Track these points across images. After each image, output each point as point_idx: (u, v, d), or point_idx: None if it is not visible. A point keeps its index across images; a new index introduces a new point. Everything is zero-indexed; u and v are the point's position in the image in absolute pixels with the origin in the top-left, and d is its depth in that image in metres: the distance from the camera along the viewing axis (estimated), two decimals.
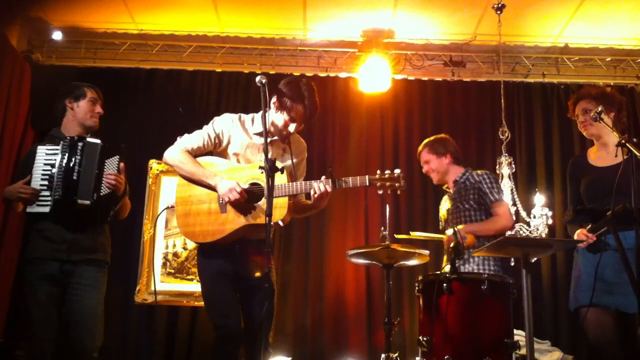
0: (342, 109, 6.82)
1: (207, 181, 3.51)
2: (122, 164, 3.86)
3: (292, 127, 3.59)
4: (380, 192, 3.49)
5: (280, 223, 3.48)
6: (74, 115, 3.94)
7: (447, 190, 4.58)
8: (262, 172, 3.13)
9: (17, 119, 6.25)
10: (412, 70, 6.97)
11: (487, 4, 6.01)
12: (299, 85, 3.59)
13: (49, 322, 3.68)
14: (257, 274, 3.48)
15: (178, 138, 3.68)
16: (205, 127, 3.68)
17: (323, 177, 3.46)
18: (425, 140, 4.66)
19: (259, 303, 3.23)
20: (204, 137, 3.63)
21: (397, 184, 3.48)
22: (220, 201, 3.50)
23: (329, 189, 3.45)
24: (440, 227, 4.65)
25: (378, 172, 3.52)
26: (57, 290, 3.72)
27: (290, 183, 3.48)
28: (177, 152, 3.59)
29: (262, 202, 3.43)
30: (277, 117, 3.61)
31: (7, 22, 6.32)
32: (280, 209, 3.43)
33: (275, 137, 3.67)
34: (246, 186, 3.44)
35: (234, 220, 3.48)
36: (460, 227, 4.07)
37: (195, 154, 3.62)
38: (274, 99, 3.61)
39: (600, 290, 3.56)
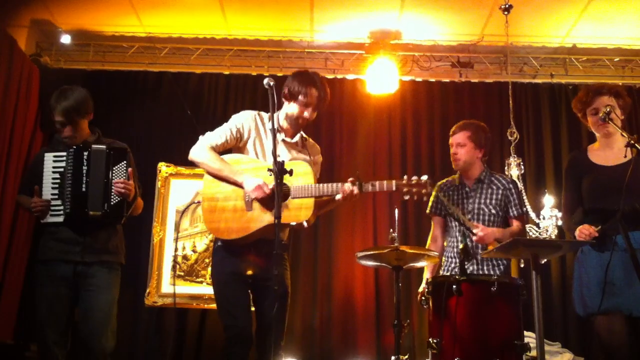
0: (349, 110, 6.82)
1: (234, 178, 3.54)
2: (130, 169, 3.84)
3: (307, 113, 3.64)
4: (407, 197, 3.50)
5: (305, 224, 3.50)
6: None
7: (460, 180, 4.27)
8: (270, 175, 3.14)
9: (25, 122, 6.28)
10: (420, 72, 6.96)
11: (494, 5, 6.00)
12: (308, 73, 3.71)
13: (58, 323, 3.69)
14: (249, 272, 3.50)
15: (200, 136, 3.69)
16: (225, 124, 3.71)
17: (350, 179, 3.48)
18: (467, 122, 4.32)
19: (271, 305, 3.23)
20: (226, 133, 3.66)
21: (423, 190, 3.50)
22: (247, 198, 3.52)
23: (355, 192, 3.47)
24: (429, 211, 4.37)
25: (405, 177, 3.53)
26: (69, 292, 3.74)
27: (318, 184, 3.50)
28: (203, 149, 3.62)
29: (289, 201, 3.46)
30: (290, 107, 3.67)
31: (16, 26, 6.35)
32: (307, 209, 3.46)
33: (293, 140, 3.72)
34: (272, 185, 3.43)
35: (259, 219, 3.49)
36: (495, 230, 4.02)
37: (219, 150, 3.65)
38: (284, 91, 3.66)
39: (608, 293, 3.50)
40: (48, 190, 3.75)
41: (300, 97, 3.61)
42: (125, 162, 3.85)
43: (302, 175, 3.46)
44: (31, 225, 6.09)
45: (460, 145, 4.21)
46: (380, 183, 3.50)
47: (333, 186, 3.49)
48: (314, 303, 6.28)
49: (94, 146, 3.82)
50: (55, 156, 3.81)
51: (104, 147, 3.83)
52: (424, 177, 3.52)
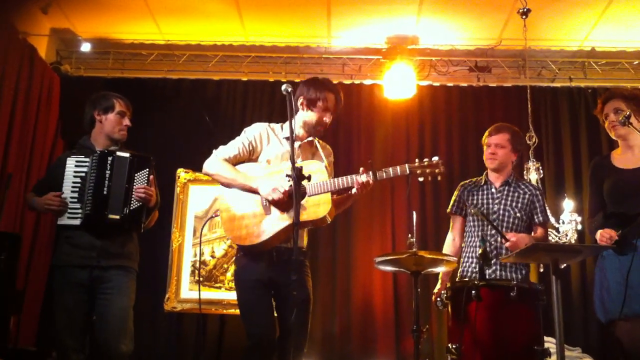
0: (367, 115, 6.83)
1: (248, 184, 3.56)
2: (151, 177, 3.89)
3: (327, 118, 3.69)
4: (421, 179, 3.58)
5: (328, 218, 3.51)
6: (102, 128, 3.96)
7: (486, 180, 4.28)
8: (289, 181, 3.15)
9: (46, 130, 6.36)
10: (437, 77, 6.95)
11: (512, 9, 5.99)
12: (319, 79, 3.77)
13: (76, 328, 3.71)
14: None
15: (214, 150, 3.71)
16: (237, 137, 3.74)
17: (362, 169, 3.51)
18: (506, 125, 4.33)
19: (292, 311, 3.25)
20: (239, 146, 3.68)
21: (436, 170, 3.57)
22: (264, 202, 3.54)
23: (370, 181, 3.50)
24: (449, 210, 4.37)
25: (417, 160, 3.60)
26: (86, 298, 3.75)
27: (332, 180, 3.52)
28: (216, 161, 3.65)
29: (305, 201, 3.47)
30: (308, 115, 3.69)
31: (36, 35, 6.43)
32: (325, 204, 3.48)
33: (305, 140, 3.73)
34: (288, 187, 3.44)
35: (280, 220, 3.50)
36: (525, 236, 4.01)
37: (233, 162, 3.67)
38: (300, 100, 3.69)
39: (630, 298, 3.46)
40: (67, 193, 3.78)
41: (319, 103, 3.65)
42: (147, 169, 3.89)
43: (316, 173, 3.47)
44: (52, 232, 6.14)
45: (501, 146, 4.24)
46: (393, 168, 3.54)
47: (347, 179, 3.52)
48: (333, 309, 6.27)
49: (118, 153, 3.88)
50: (77, 161, 3.84)
51: (128, 154, 3.89)
52: (435, 158, 3.60)
